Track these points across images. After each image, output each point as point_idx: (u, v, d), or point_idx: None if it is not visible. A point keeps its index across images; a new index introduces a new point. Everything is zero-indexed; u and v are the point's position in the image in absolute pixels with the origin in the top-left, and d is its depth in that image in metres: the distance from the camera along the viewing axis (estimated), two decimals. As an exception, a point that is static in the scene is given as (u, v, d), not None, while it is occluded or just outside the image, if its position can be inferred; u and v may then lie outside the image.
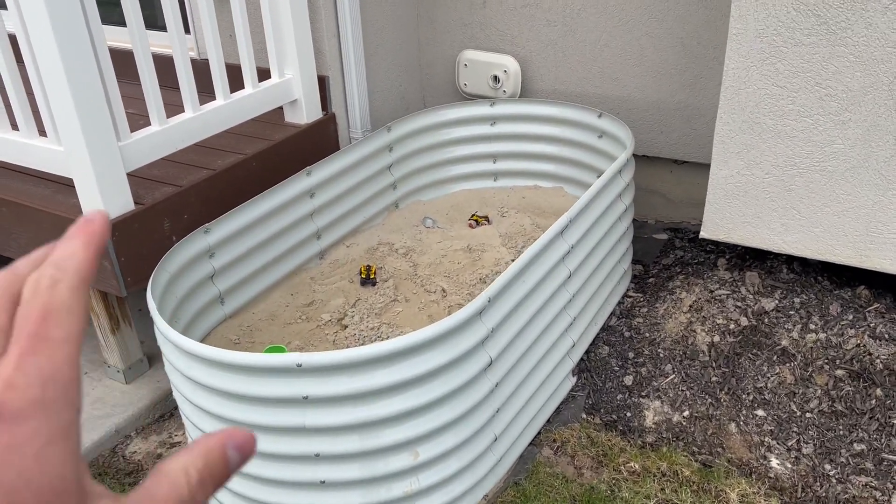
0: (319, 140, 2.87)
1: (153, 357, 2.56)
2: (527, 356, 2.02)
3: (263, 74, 2.70)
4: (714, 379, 2.27)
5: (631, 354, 2.42)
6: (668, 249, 2.99)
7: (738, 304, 2.42)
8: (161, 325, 1.75)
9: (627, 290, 2.71)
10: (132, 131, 2.22)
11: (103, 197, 2.13)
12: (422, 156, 3.05)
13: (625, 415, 2.26)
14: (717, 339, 2.35)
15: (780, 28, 2.02)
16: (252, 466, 1.74)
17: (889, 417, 2.08)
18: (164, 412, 2.44)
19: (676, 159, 3.01)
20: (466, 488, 1.89)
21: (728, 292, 2.47)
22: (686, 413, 2.22)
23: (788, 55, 2.04)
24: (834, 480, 2.01)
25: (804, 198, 2.19)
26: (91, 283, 0.34)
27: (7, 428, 0.30)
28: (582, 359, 2.40)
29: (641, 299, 2.65)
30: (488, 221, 2.98)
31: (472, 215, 3.02)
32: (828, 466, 2.04)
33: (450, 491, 1.86)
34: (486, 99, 3.09)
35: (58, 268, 0.35)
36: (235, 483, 1.81)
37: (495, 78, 3.18)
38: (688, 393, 2.26)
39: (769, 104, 2.12)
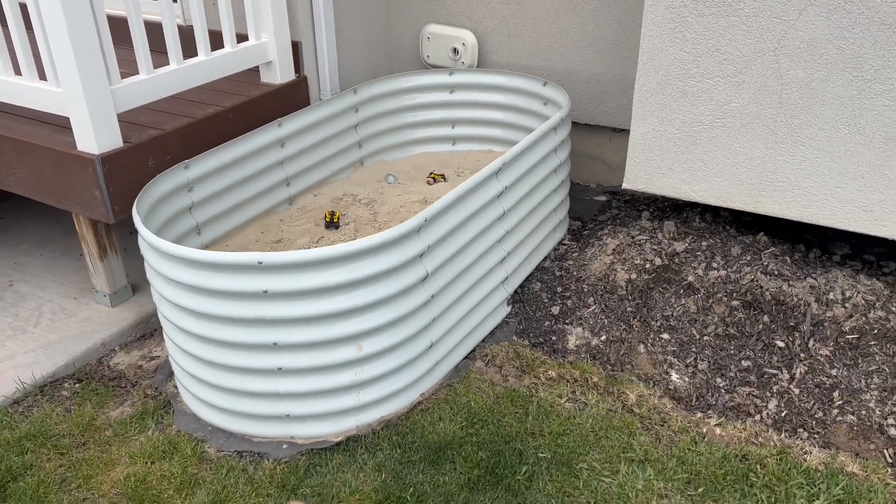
0: (291, 99, 3.18)
1: (137, 287, 2.86)
2: (462, 277, 2.34)
3: (243, 39, 3.01)
4: (629, 309, 2.61)
5: (559, 289, 2.75)
6: (606, 209, 3.33)
7: (655, 247, 2.75)
8: (143, 232, 2.05)
9: (563, 238, 3.04)
10: (123, 79, 2.52)
11: (96, 133, 2.42)
12: (386, 118, 3.36)
13: (550, 338, 2.58)
14: (634, 276, 2.68)
15: (686, 1, 2.36)
16: (217, 354, 2.05)
17: (772, 339, 2.42)
18: (146, 332, 2.73)
19: (615, 127, 3.35)
20: (405, 384, 2.21)
21: (647, 238, 2.80)
22: (603, 337, 2.55)
23: (693, 24, 2.38)
24: (723, 391, 2.34)
25: (708, 151, 2.52)
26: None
27: None
28: (516, 291, 2.72)
29: (574, 247, 2.98)
30: (444, 179, 3.30)
31: (430, 173, 3.34)
32: (719, 380, 2.37)
33: (390, 384, 2.17)
34: (446, 69, 3.41)
35: None
36: (202, 370, 2.11)
37: (455, 50, 3.50)
38: (606, 321, 2.59)
39: (678, 68, 2.45)
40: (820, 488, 1.92)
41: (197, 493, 2.01)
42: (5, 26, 2.50)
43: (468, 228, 2.32)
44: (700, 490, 1.92)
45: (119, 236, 2.76)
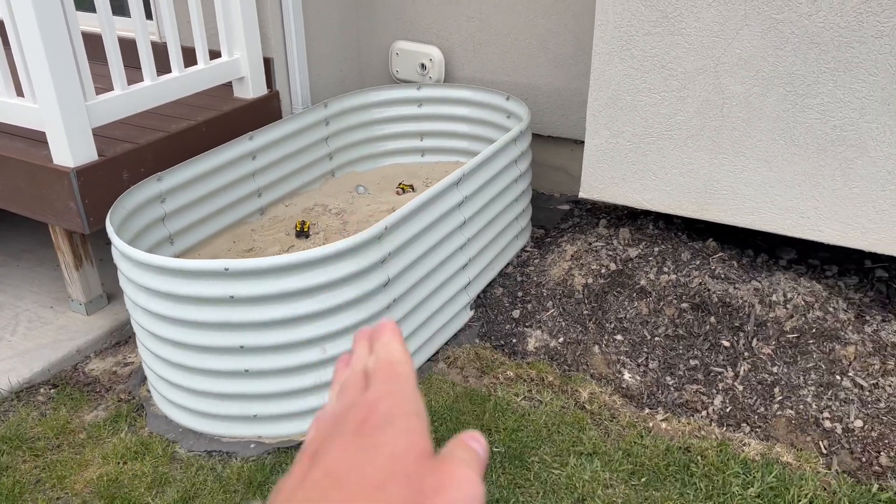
0: (264, 113, 3.29)
1: (112, 295, 2.95)
2: (424, 283, 2.46)
3: (216, 56, 3.12)
4: (585, 312, 2.73)
5: (520, 294, 2.87)
6: (569, 217, 3.46)
7: (610, 253, 2.88)
8: (116, 241, 2.15)
9: (526, 245, 3.17)
10: (98, 95, 2.62)
11: (71, 148, 2.52)
12: (356, 131, 3.48)
13: (511, 341, 2.70)
14: (590, 280, 2.81)
15: (633, 20, 2.50)
16: (187, 358, 2.15)
17: (718, 339, 2.55)
18: (121, 339, 2.82)
19: (576, 139, 3.49)
20: (368, 385, 2.31)
21: (603, 244, 2.94)
22: (561, 339, 2.67)
23: (640, 43, 2.52)
24: (672, 388, 2.47)
25: (657, 161, 2.66)
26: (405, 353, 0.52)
27: (390, 417, 0.45)
28: (479, 296, 2.84)
29: (536, 253, 3.11)
30: (413, 189, 3.42)
31: (399, 184, 3.46)
32: (668, 378, 2.50)
33: (353, 386, 2.28)
34: (414, 83, 3.54)
35: (384, 344, 0.51)
36: (173, 373, 2.21)
37: (422, 66, 3.63)
38: (563, 323, 2.72)
39: (627, 83, 2.59)
40: (755, 476, 2.04)
41: (167, 491, 2.10)
42: (-17, 45, 2.60)
43: (429, 236, 2.44)
44: (643, 480, 2.04)
45: (94, 247, 2.85)
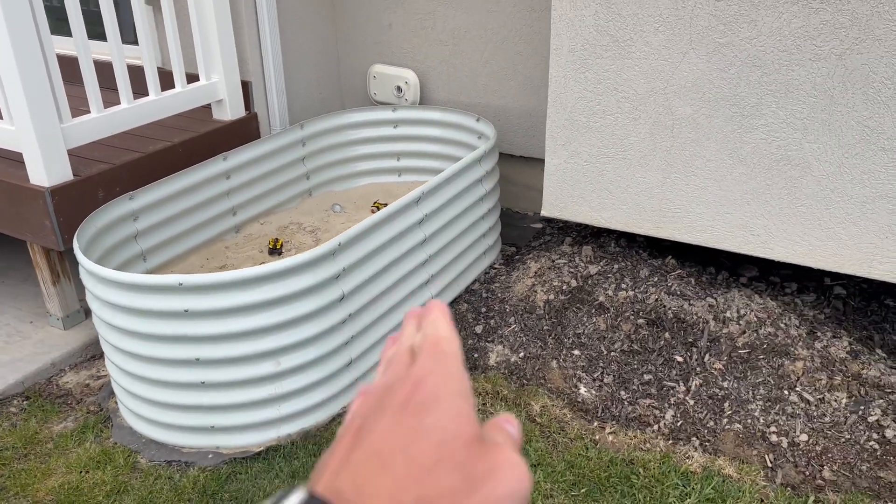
0: (242, 134, 3.39)
1: (89, 311, 3.04)
2: (383, 298, 2.53)
3: (195, 79, 3.23)
4: (545, 328, 2.79)
5: (484, 309, 2.93)
6: (540, 235, 3.53)
7: (572, 270, 2.95)
8: (80, 257, 2.24)
9: (494, 263, 3.23)
10: (74, 117, 2.73)
11: (46, 168, 2.63)
12: (332, 151, 3.58)
13: (473, 356, 2.76)
14: (551, 297, 2.87)
15: (585, 45, 2.58)
16: (147, 370, 2.23)
17: (672, 354, 2.60)
18: (96, 353, 2.91)
19: (547, 159, 3.56)
20: (325, 398, 2.38)
21: (565, 262, 3.00)
22: (521, 354, 2.73)
23: (593, 66, 2.60)
24: (626, 403, 2.52)
25: (613, 181, 2.73)
26: (452, 328, 0.52)
27: (436, 396, 0.44)
28: (442, 312, 2.90)
29: (504, 270, 3.17)
30: (387, 208, 3.50)
31: (375, 202, 3.54)
32: (623, 392, 2.55)
33: (310, 398, 2.35)
34: (390, 105, 3.63)
35: (431, 321, 0.51)
36: (135, 385, 2.29)
37: (399, 88, 3.73)
38: (524, 339, 2.77)
39: (582, 105, 2.67)
40: (694, 488, 2.08)
41: (124, 499, 2.17)
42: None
43: (387, 252, 2.51)
44: (584, 491, 2.09)
45: (72, 263, 2.94)
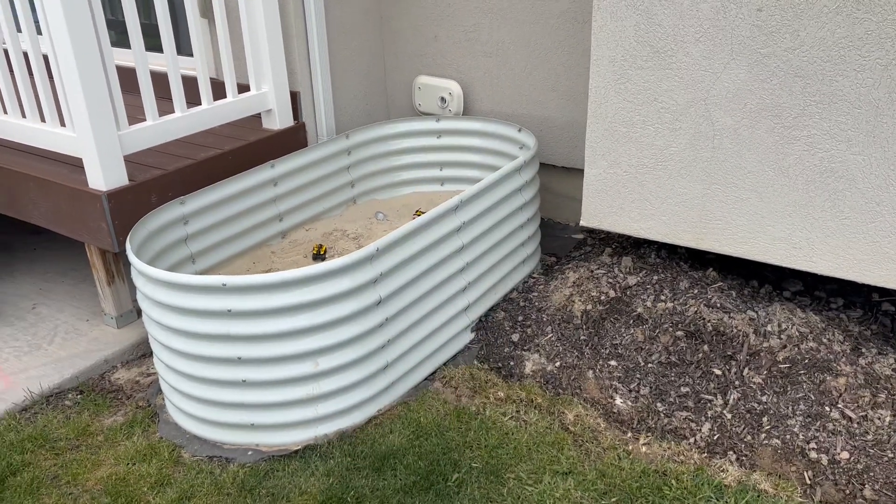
0: (290, 143, 3.49)
1: (141, 311, 3.16)
2: (419, 304, 2.57)
3: (246, 89, 3.35)
4: (582, 338, 2.79)
5: (521, 318, 2.95)
6: (581, 246, 3.53)
7: (610, 280, 2.94)
8: (131, 258, 2.35)
9: (533, 272, 3.25)
10: (130, 125, 2.86)
11: (104, 173, 2.76)
12: (376, 161, 3.65)
13: (509, 363, 2.78)
14: (589, 307, 2.87)
15: (626, 56, 2.59)
16: (191, 367, 2.32)
17: (710, 367, 2.57)
18: (146, 352, 3.03)
19: (590, 170, 3.56)
20: (361, 399, 2.43)
21: (604, 272, 3.00)
22: (557, 363, 2.74)
23: (633, 77, 2.61)
24: (662, 415, 2.50)
25: (653, 191, 2.72)
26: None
27: None
28: (481, 319, 2.93)
29: (542, 280, 3.19)
30: (429, 217, 3.55)
31: (417, 211, 3.60)
32: (659, 404, 2.53)
33: (346, 399, 2.40)
34: (434, 115, 3.69)
35: None
36: (180, 382, 2.38)
37: (443, 99, 3.79)
38: (560, 348, 2.78)
39: (622, 115, 2.68)
40: (727, 502, 2.06)
41: (167, 491, 2.25)
42: (32, 77, 2.87)
43: (425, 259, 2.56)
44: (614, 500, 2.09)
45: (126, 265, 3.07)
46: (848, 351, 2.52)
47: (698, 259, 3.03)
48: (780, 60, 2.32)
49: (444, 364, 2.75)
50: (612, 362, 2.68)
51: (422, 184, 3.79)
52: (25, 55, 2.81)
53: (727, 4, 2.35)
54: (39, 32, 2.75)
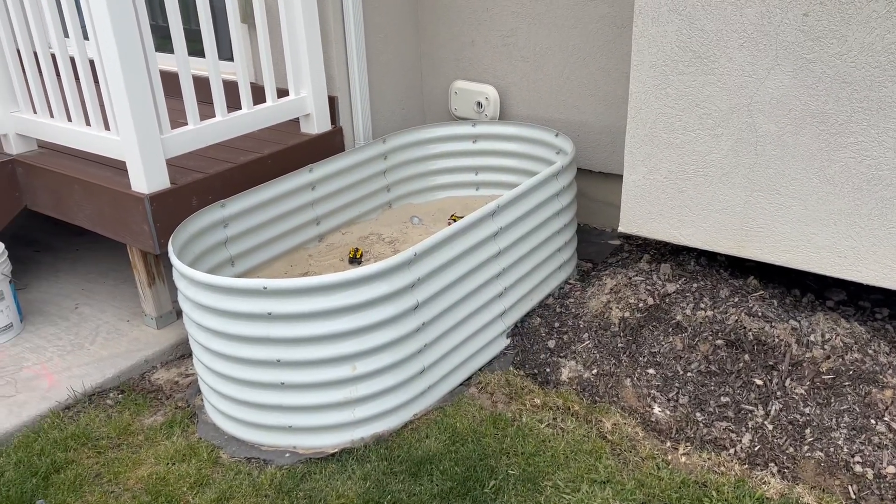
0: (327, 147, 3.52)
1: (181, 312, 3.21)
2: (456, 309, 2.57)
3: (284, 94, 3.38)
4: (620, 345, 2.76)
5: (557, 325, 2.93)
6: (618, 252, 3.50)
7: (649, 288, 2.91)
8: (174, 260, 2.38)
9: (569, 278, 3.23)
10: (172, 129, 2.91)
11: (146, 176, 2.81)
12: (412, 165, 3.66)
13: (545, 370, 2.76)
14: (627, 314, 2.84)
15: (667, 61, 2.57)
16: (230, 369, 2.34)
17: (751, 377, 2.53)
18: (185, 353, 3.07)
19: (627, 175, 3.53)
20: (398, 404, 2.43)
21: (643, 279, 2.97)
22: (594, 371, 2.72)
23: (674, 82, 2.58)
24: (701, 425, 2.47)
25: (693, 198, 2.69)
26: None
27: None
28: (516, 325, 2.92)
29: (579, 286, 3.16)
30: (464, 221, 3.55)
31: (452, 215, 3.60)
32: (698, 414, 2.50)
33: (383, 403, 2.41)
34: (470, 120, 3.70)
35: None
36: (219, 383, 2.41)
37: (479, 104, 3.79)
38: (597, 355, 2.76)
39: (663, 121, 2.65)
40: (769, 515, 2.02)
41: (206, 492, 2.28)
42: (78, 81, 2.94)
43: (461, 264, 2.56)
44: (653, 510, 2.06)
45: (166, 267, 3.12)
46: (895, 363, 2.46)
47: (738, 266, 2.98)
48: (826, 66, 2.28)
49: (480, 369, 2.74)
50: (651, 370, 2.65)
51: (457, 188, 3.79)
52: (72, 60, 2.87)
53: (772, 9, 2.31)
54: (86, 37, 2.81)
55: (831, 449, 2.28)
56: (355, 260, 3.22)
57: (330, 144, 3.55)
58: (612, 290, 2.97)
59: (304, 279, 2.19)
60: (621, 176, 3.57)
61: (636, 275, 3.01)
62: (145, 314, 3.15)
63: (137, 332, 3.13)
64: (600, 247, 3.59)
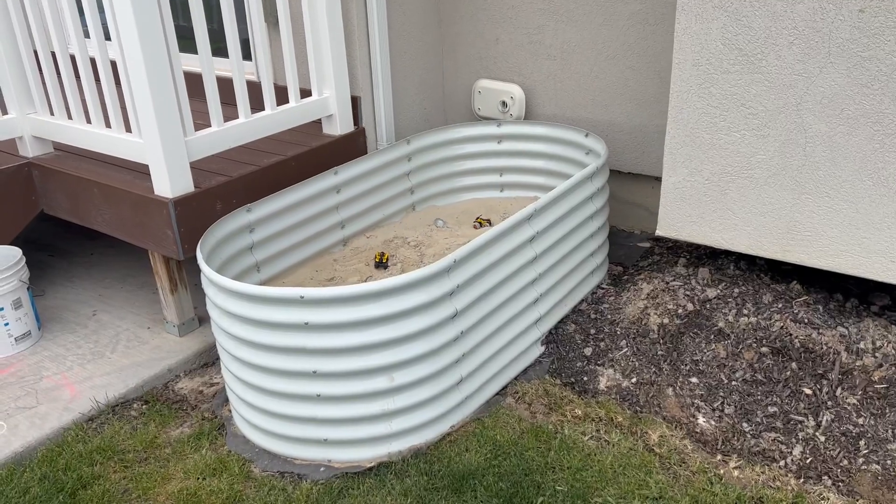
0: (350, 149, 3.43)
1: (203, 319, 3.12)
2: (493, 316, 2.49)
3: (307, 94, 3.30)
4: (660, 353, 2.68)
5: (593, 331, 2.85)
6: (648, 255, 3.42)
7: (688, 293, 2.83)
8: (204, 268, 2.29)
9: (601, 283, 3.14)
10: (196, 131, 2.82)
11: (170, 179, 2.72)
12: (437, 166, 3.58)
13: (582, 379, 2.68)
14: (666, 320, 2.76)
15: (711, 59, 2.48)
16: (264, 380, 2.26)
17: (800, 386, 2.45)
18: (209, 361, 2.98)
19: (657, 176, 3.45)
20: (436, 415, 2.35)
21: (681, 284, 2.88)
22: (634, 380, 2.63)
23: (719, 81, 2.49)
24: (749, 436, 2.38)
25: (737, 200, 2.61)
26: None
27: None
28: (551, 332, 2.84)
29: (612, 291, 3.08)
30: (490, 224, 3.47)
31: (477, 218, 3.52)
32: (745, 424, 2.42)
33: (421, 415, 2.32)
34: (495, 120, 3.61)
35: None
36: (251, 395, 2.32)
37: (503, 103, 3.70)
38: (637, 363, 2.68)
39: (706, 121, 2.56)
40: (832, 533, 1.94)
41: (240, 508, 2.20)
42: (98, 82, 2.85)
43: (498, 270, 2.47)
44: (710, 528, 1.98)
45: (189, 273, 3.04)
46: (950, 371, 2.38)
47: (777, 270, 2.90)
48: (882, 64, 2.19)
49: (515, 378, 2.66)
50: (693, 379, 2.57)
51: (481, 190, 3.70)
52: (92, 61, 2.78)
53: (825, 5, 2.23)
54: (107, 38, 2.72)
55: (888, 461, 2.20)
56: (381, 264, 3.14)
57: (353, 146, 3.46)
58: (648, 295, 2.88)
59: (343, 288, 2.11)
60: (651, 177, 3.50)
61: (673, 279, 2.92)
62: (167, 321, 3.06)
63: (159, 340, 3.04)
64: (629, 250, 3.50)
